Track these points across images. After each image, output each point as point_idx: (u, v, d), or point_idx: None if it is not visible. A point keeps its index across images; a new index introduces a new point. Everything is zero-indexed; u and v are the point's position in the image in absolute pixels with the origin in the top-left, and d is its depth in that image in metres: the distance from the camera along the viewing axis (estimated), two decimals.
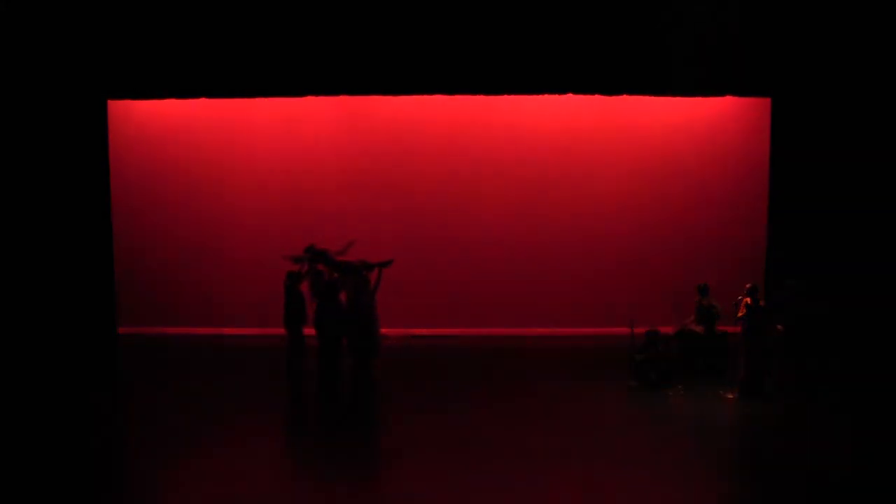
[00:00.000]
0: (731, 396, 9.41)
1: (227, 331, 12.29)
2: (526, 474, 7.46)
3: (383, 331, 10.48)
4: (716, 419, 8.99)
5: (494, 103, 12.03)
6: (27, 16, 11.15)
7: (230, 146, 12.35)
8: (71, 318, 11.52)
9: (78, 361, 10.97)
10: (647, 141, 12.25)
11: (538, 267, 12.30)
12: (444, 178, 12.33)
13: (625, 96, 11.71)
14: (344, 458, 7.98)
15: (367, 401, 10.10)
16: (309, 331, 10.21)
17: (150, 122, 12.32)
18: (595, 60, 11.17)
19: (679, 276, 11.65)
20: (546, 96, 11.83)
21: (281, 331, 10.22)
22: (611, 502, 7.05)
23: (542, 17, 11.06)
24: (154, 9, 11.16)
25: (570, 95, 11.65)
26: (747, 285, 9.52)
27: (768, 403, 9.27)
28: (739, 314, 9.45)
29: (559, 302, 12.25)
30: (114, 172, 11.99)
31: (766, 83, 11.37)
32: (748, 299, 9.41)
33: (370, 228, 11.78)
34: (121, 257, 12.15)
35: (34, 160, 11.42)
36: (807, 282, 9.98)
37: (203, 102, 11.96)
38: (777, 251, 11.66)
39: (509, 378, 10.45)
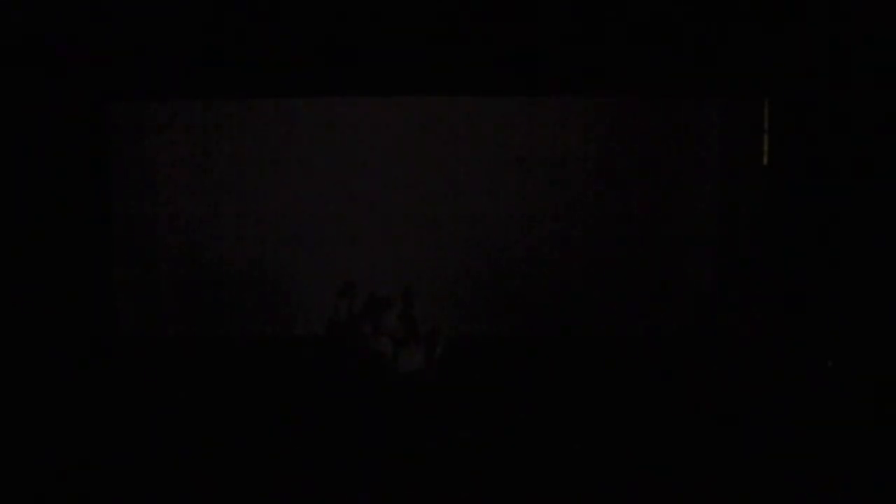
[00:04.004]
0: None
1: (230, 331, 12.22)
2: None
3: None
4: None
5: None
6: (27, 16, 11.19)
7: (234, 147, 12.32)
8: (71, 319, 11.52)
9: (77, 363, 10.98)
10: (644, 143, 12.20)
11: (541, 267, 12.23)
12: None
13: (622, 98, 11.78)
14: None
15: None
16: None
17: (151, 122, 12.29)
18: (590, 61, 11.18)
19: (680, 278, 11.76)
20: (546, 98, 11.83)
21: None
22: None
23: (538, 17, 11.10)
24: (155, 8, 11.19)
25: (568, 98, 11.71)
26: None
27: None
28: None
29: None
30: (114, 173, 11.98)
31: (763, 84, 11.39)
32: None
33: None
34: (121, 259, 12.15)
35: (34, 161, 11.44)
36: None
37: (204, 103, 11.98)
38: (776, 252, 11.70)
39: None
